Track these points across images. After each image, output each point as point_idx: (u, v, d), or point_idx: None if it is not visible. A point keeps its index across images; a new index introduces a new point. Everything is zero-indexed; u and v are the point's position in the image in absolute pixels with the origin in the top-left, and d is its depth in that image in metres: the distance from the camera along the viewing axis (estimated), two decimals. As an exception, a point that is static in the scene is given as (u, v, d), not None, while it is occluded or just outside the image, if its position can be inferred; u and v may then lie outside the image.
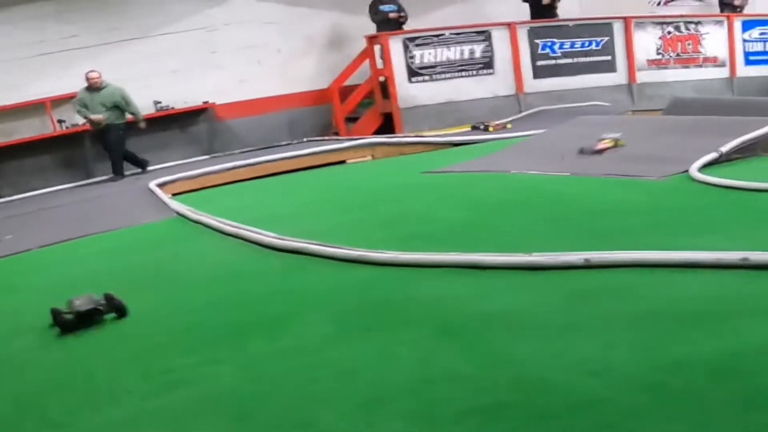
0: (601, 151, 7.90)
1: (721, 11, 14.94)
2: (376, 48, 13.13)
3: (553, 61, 14.13)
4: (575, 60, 14.24)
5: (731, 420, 2.47)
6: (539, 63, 13.99)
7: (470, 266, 4.48)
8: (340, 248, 5.08)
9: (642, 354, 3.05)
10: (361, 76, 13.73)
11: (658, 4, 16.03)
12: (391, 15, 13.29)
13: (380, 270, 4.68)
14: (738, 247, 4.17)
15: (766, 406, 2.53)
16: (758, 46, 14.77)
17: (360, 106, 13.83)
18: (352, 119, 13.75)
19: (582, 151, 7.98)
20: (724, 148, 7.34)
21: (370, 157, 11.32)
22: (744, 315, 3.38)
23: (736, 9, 14.77)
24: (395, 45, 12.92)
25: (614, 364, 2.98)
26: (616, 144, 8.02)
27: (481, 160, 8.79)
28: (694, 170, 6.72)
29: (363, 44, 13.51)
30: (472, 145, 10.56)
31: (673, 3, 16.02)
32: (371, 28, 13.48)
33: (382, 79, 13.11)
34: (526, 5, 14.36)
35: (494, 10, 14.71)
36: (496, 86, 13.73)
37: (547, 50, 14.05)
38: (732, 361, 2.90)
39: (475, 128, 11.87)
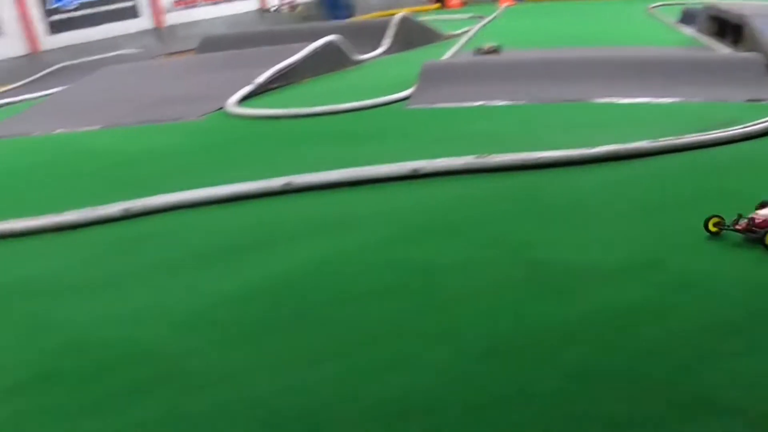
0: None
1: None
2: None
3: (68, 15, 13.76)
4: (95, 10, 14.01)
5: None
6: (54, 18, 13.37)
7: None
8: None
9: (190, 296, 3.12)
10: None
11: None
12: None
13: None
14: (281, 173, 4.45)
15: (315, 319, 2.82)
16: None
17: None
18: None
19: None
20: (260, 79, 7.72)
21: None
22: (292, 238, 3.64)
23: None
24: None
25: (160, 310, 3.00)
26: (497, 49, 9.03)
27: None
28: (231, 105, 6.98)
29: None
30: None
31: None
32: None
33: None
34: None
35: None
36: (4, 48, 12.69)
37: (59, 5, 13.66)
38: (284, 281, 3.14)
39: None
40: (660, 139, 4.58)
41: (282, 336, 2.70)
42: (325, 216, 3.93)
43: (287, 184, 4.30)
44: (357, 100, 6.73)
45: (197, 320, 2.88)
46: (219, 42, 10.55)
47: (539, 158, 4.33)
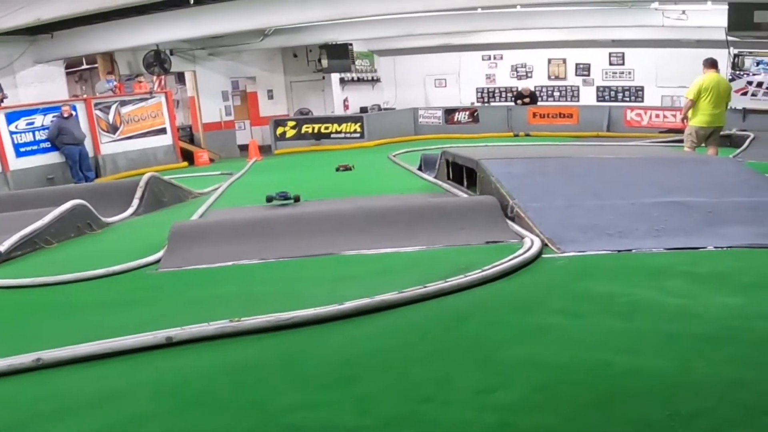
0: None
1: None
2: None
3: None
4: None
5: None
6: None
7: None
8: None
9: None
10: None
11: None
12: None
13: None
14: (30, 348, 4.17)
15: None
16: (28, 137, 15.32)
17: None
18: None
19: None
20: (3, 247, 7.26)
21: None
22: (45, 419, 3.39)
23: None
24: None
25: None
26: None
27: None
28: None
29: None
30: None
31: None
32: None
33: None
34: None
35: None
36: None
37: None
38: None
39: None
40: (405, 290, 4.88)
41: None
42: (79, 392, 3.69)
43: (37, 360, 4.05)
44: (107, 266, 6.51)
45: None
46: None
47: (291, 318, 4.43)
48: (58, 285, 6.23)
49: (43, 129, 15.54)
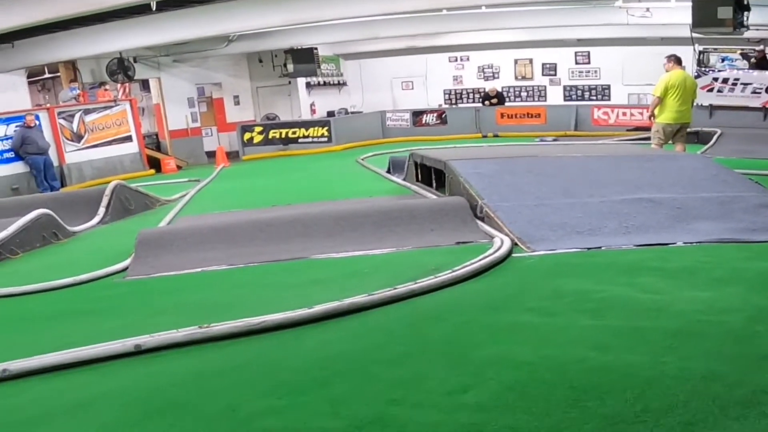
0: None
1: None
2: None
3: None
4: None
5: None
6: None
7: None
8: None
9: None
10: None
11: None
12: None
13: None
14: (-1, 358, 4.10)
15: None
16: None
17: None
18: None
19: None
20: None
21: None
22: (10, 429, 3.32)
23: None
24: None
25: None
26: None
27: None
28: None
29: None
30: None
31: None
32: None
33: None
34: None
35: None
36: None
37: None
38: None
39: None
40: (375, 292, 4.87)
41: None
42: (49, 402, 3.63)
43: (3, 371, 3.97)
44: (73, 275, 6.43)
45: None
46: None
47: (261, 323, 4.39)
48: (24, 295, 6.15)
49: (7, 139, 15.34)
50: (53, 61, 17.66)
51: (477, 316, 4.53)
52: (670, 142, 11.29)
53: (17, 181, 15.34)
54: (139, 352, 4.20)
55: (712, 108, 16.74)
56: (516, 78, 23.99)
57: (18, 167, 15.47)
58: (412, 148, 13.42)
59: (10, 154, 15.38)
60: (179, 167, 19.57)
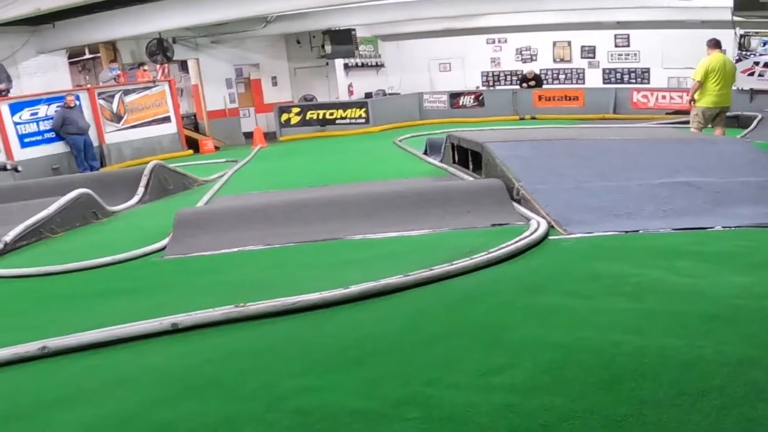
0: None
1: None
2: None
3: None
4: None
5: None
6: None
7: None
8: None
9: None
10: None
11: None
12: None
13: None
14: (36, 336, 4.17)
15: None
16: (32, 127, 15.32)
17: None
18: None
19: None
20: (7, 237, 7.28)
21: None
22: (52, 406, 3.37)
23: (1, 93, 15.04)
24: None
25: None
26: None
27: None
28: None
29: None
30: None
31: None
32: None
33: None
34: None
35: None
36: None
37: None
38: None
39: None
40: (411, 273, 4.87)
41: None
42: (87, 379, 3.69)
43: (43, 348, 4.05)
44: (112, 254, 6.53)
45: None
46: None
47: (297, 302, 4.42)
48: (64, 274, 6.26)
49: (47, 119, 15.53)
50: (93, 41, 17.86)
51: (512, 298, 4.51)
52: (710, 126, 11.10)
53: (58, 161, 15.57)
54: (176, 330, 4.25)
55: (753, 92, 16.39)
56: (554, 60, 23.75)
57: (58, 147, 15.68)
58: (450, 129, 13.37)
59: (51, 134, 15.58)
60: (217, 148, 19.72)
